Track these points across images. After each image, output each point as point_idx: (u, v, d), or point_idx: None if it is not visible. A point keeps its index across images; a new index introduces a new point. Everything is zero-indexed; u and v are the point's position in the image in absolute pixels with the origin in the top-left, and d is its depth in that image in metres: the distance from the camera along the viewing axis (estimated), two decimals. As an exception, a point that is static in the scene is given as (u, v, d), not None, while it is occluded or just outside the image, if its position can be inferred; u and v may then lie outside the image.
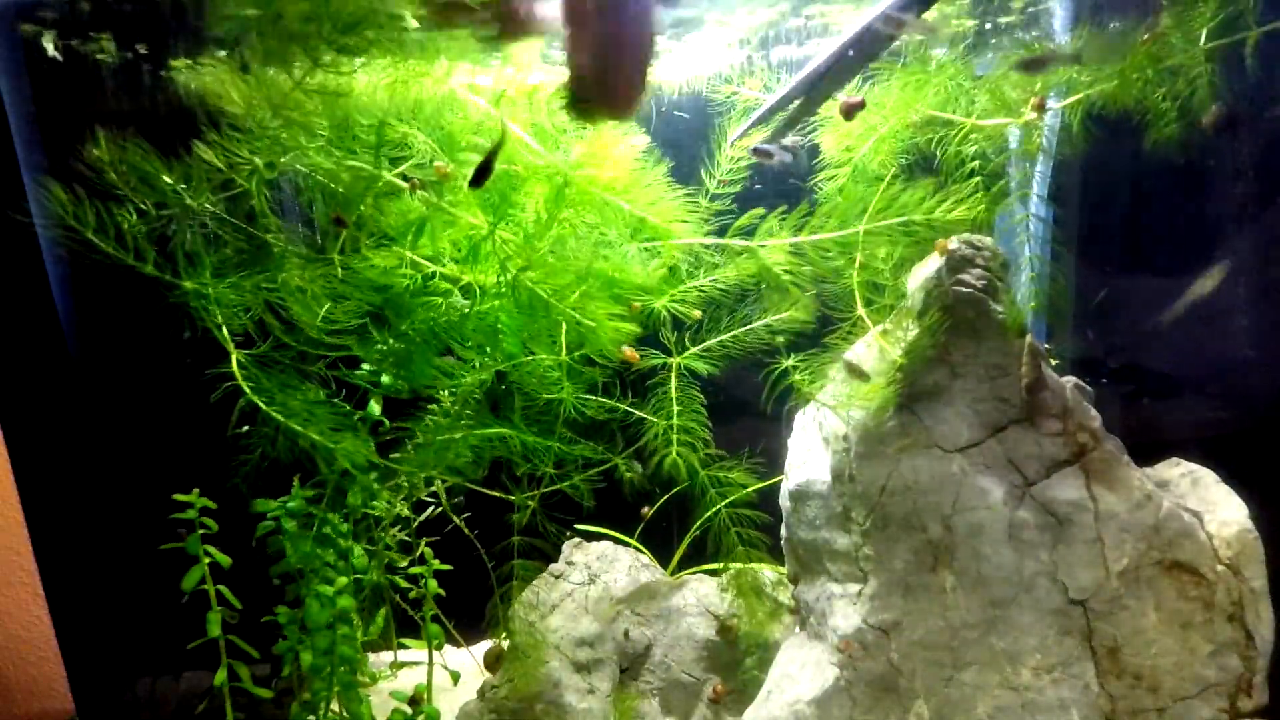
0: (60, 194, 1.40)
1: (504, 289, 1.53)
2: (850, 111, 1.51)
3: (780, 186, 1.67)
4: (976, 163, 1.60)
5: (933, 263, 1.60)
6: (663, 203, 1.51)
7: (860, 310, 1.56)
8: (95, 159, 1.41)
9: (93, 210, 1.42)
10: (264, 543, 1.72)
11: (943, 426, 1.55)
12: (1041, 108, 1.54)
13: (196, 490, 1.65)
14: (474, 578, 1.92)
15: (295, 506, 1.70)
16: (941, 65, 1.56)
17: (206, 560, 1.67)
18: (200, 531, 1.66)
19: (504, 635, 1.80)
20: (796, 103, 1.44)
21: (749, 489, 1.70)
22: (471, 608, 2.06)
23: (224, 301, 1.53)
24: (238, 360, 1.53)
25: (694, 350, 1.68)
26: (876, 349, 1.56)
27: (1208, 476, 1.58)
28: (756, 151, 1.54)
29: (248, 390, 1.52)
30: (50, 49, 1.59)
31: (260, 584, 1.73)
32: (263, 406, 1.52)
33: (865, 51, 1.35)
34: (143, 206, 1.45)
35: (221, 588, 1.69)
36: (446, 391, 1.70)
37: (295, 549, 1.69)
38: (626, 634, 1.83)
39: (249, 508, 1.70)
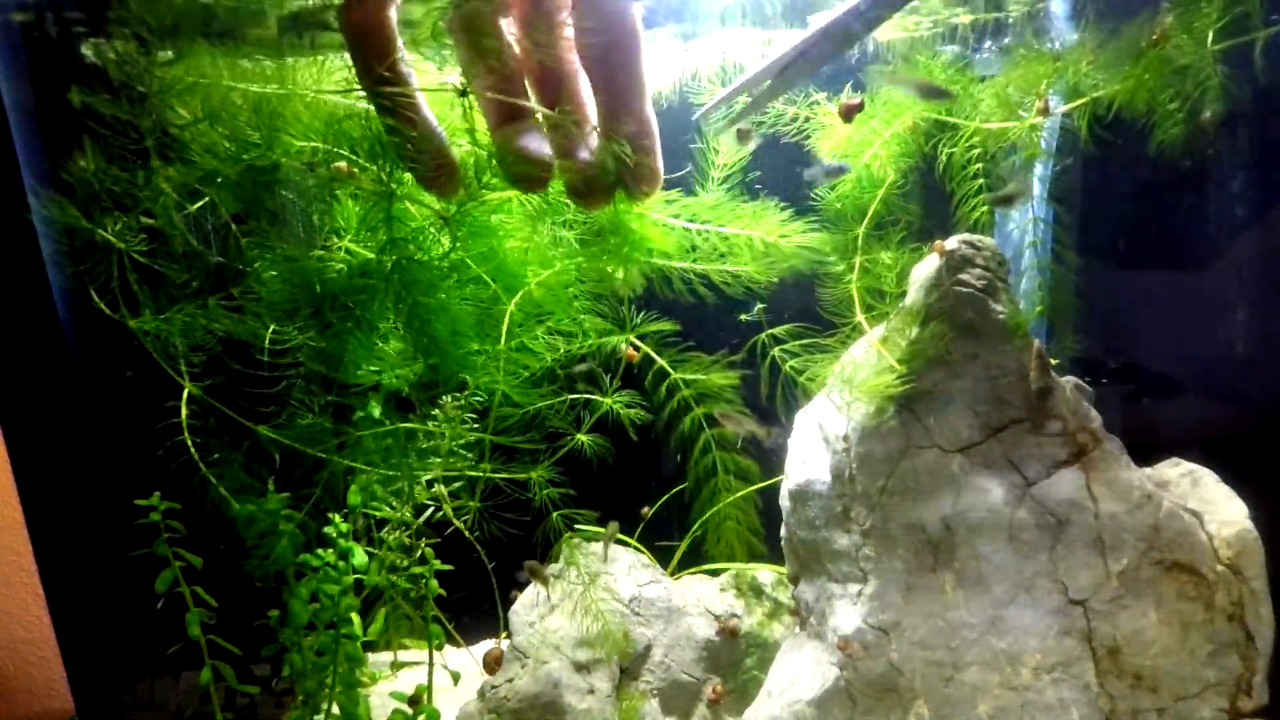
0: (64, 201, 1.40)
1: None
2: (849, 113, 1.50)
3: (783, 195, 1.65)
4: (980, 165, 1.60)
5: (932, 262, 1.60)
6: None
7: (859, 316, 1.56)
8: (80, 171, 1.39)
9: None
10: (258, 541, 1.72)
11: (943, 427, 1.55)
12: (1046, 110, 1.54)
13: (158, 494, 1.65)
14: (475, 578, 1.92)
15: (272, 508, 1.70)
16: (940, 67, 1.56)
17: (179, 564, 1.66)
18: (166, 535, 1.66)
19: (505, 635, 1.80)
20: (763, 86, 1.39)
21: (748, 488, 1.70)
22: (473, 608, 2.06)
23: (167, 335, 1.52)
24: (189, 393, 1.53)
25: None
26: (875, 352, 1.56)
27: (1208, 476, 1.58)
28: (740, 131, 1.49)
29: (188, 440, 1.54)
30: (90, 54, 1.57)
31: (258, 582, 1.73)
32: (192, 454, 1.53)
33: (839, 38, 1.31)
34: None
35: (197, 589, 1.69)
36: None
37: (276, 551, 1.69)
38: (626, 634, 1.83)
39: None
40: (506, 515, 1.67)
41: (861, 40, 1.38)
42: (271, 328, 1.57)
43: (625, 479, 1.80)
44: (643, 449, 1.76)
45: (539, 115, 1.12)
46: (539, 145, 1.11)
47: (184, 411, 1.54)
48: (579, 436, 1.67)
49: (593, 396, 1.67)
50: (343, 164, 1.36)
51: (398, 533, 1.80)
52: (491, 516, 1.67)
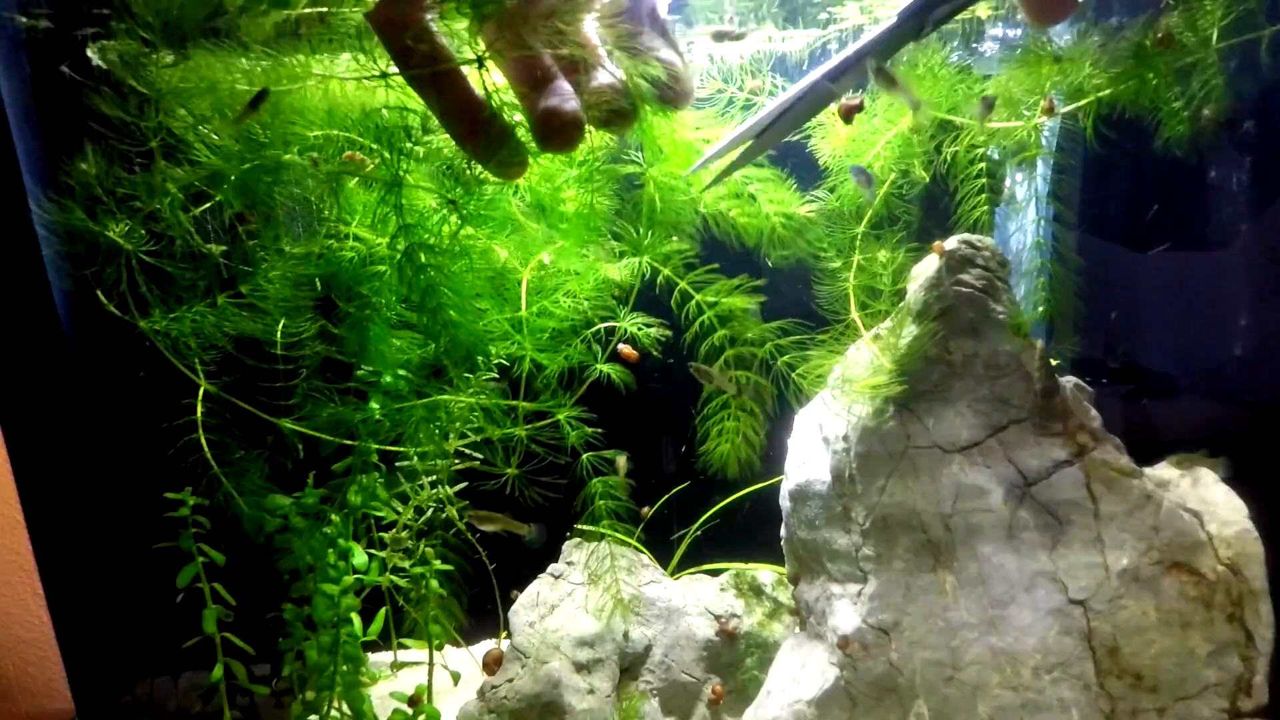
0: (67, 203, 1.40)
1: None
2: (849, 114, 1.50)
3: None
4: (983, 164, 1.60)
5: (931, 262, 1.60)
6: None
7: (854, 315, 1.56)
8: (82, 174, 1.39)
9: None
10: (267, 541, 1.72)
11: (943, 426, 1.55)
12: (1051, 110, 1.54)
13: (189, 489, 1.65)
14: (475, 577, 1.92)
15: (309, 503, 1.70)
16: (940, 68, 1.56)
17: (201, 559, 1.66)
18: (193, 530, 1.66)
19: (505, 635, 1.80)
20: (744, 145, 1.38)
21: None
22: (473, 608, 2.06)
23: (180, 333, 1.52)
24: (205, 392, 1.53)
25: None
26: (874, 352, 1.56)
27: (1208, 476, 1.58)
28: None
29: (203, 440, 1.54)
30: (96, 59, 1.57)
31: (259, 583, 1.73)
32: (206, 454, 1.53)
33: (818, 99, 1.31)
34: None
35: (217, 585, 1.69)
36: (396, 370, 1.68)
37: (304, 545, 1.69)
38: (626, 634, 1.83)
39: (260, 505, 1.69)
40: (513, 508, 1.67)
41: (839, 99, 1.40)
42: (282, 322, 1.57)
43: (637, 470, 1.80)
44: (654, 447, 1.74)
45: (557, 61, 1.11)
46: (568, 101, 1.10)
47: (199, 410, 1.54)
48: (599, 366, 1.65)
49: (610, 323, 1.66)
50: (352, 152, 1.37)
51: (403, 534, 1.80)
52: (511, 493, 1.66)
